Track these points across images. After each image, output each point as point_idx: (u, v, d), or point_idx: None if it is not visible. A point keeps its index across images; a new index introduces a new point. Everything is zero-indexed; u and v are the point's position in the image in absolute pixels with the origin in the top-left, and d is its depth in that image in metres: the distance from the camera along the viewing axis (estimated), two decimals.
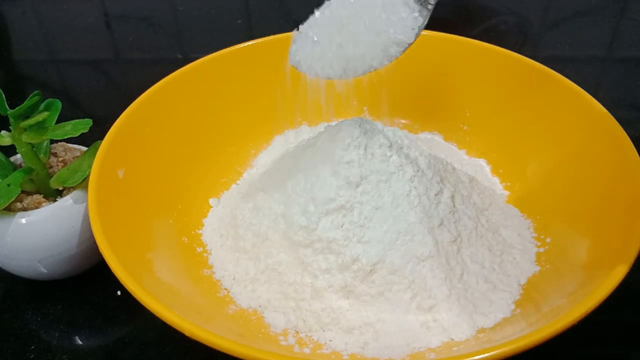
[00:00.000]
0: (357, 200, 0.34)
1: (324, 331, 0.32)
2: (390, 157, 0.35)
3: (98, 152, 0.35)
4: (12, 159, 0.39)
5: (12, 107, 0.35)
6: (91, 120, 0.36)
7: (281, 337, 0.32)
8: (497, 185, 0.43)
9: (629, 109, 0.55)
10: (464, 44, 0.46)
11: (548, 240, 0.37)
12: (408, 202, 0.34)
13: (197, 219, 0.40)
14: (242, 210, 0.39)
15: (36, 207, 0.36)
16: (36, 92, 0.35)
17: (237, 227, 0.38)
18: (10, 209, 0.35)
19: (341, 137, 0.37)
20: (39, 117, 0.35)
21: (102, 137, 0.36)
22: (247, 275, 0.35)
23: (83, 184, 0.37)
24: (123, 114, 0.38)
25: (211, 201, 0.42)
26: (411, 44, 0.32)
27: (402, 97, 0.48)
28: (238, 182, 0.44)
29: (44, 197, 0.37)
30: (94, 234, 0.30)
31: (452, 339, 0.31)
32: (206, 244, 0.38)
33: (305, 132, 0.47)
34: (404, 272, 0.32)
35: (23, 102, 0.35)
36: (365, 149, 0.36)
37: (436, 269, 0.33)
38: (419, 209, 0.34)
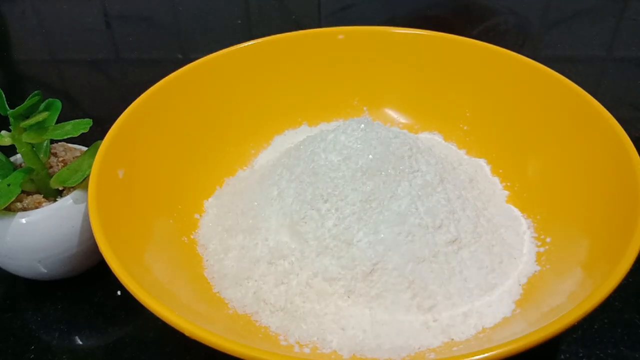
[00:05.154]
0: (357, 201, 0.34)
1: (323, 331, 0.32)
2: (390, 157, 0.35)
3: (98, 152, 0.35)
4: (12, 159, 0.39)
5: (12, 107, 0.35)
6: (91, 120, 0.36)
7: (281, 337, 0.32)
8: (497, 185, 0.42)
9: (629, 109, 0.55)
10: (464, 44, 0.46)
11: (548, 240, 0.37)
12: (408, 202, 0.34)
13: (197, 219, 0.40)
14: (243, 209, 0.39)
15: (36, 207, 0.36)
16: (36, 92, 0.35)
17: (237, 227, 0.38)
18: (10, 209, 0.35)
19: (340, 137, 0.37)
20: (39, 117, 0.35)
21: (102, 137, 0.36)
22: (247, 275, 0.35)
23: (83, 184, 0.37)
24: (123, 114, 0.38)
25: (211, 201, 0.42)
26: None
27: (402, 97, 0.49)
28: (237, 181, 0.44)
29: (44, 197, 0.37)
30: (94, 234, 0.30)
31: (452, 339, 0.31)
32: (205, 244, 0.38)
33: (305, 132, 0.48)
34: (404, 272, 0.32)
35: (23, 102, 0.35)
36: (364, 149, 0.36)
37: (436, 269, 0.33)
38: (419, 209, 0.34)
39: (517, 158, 0.42)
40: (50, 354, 0.35)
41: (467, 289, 0.33)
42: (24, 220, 0.34)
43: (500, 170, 0.43)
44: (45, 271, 0.36)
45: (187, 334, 0.26)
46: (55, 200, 0.36)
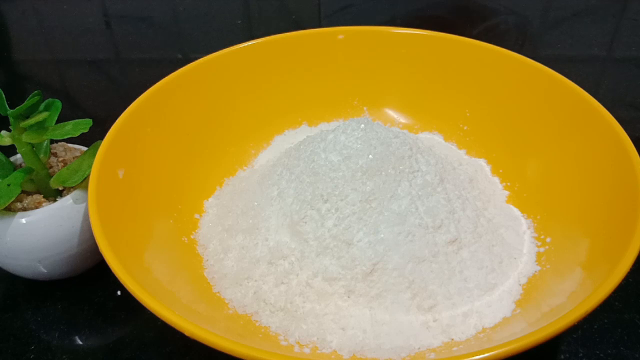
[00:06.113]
0: (357, 201, 0.34)
1: (323, 331, 0.32)
2: (390, 157, 0.35)
3: (98, 152, 0.35)
4: (12, 159, 0.39)
5: (12, 107, 0.35)
6: (91, 120, 0.36)
7: (281, 337, 0.32)
8: (497, 185, 0.43)
9: (629, 109, 0.55)
10: (464, 44, 0.46)
11: (548, 240, 0.37)
12: (408, 202, 0.34)
13: (197, 219, 0.40)
14: (243, 209, 0.39)
15: (36, 207, 0.36)
16: (36, 92, 0.35)
17: (237, 227, 0.38)
18: (10, 209, 0.35)
19: (340, 137, 0.37)
20: (39, 117, 0.35)
21: (102, 137, 0.36)
22: (247, 275, 0.35)
23: (83, 184, 0.37)
24: (123, 114, 0.38)
25: (211, 201, 0.42)
26: None
27: (402, 97, 0.49)
28: (237, 181, 0.44)
29: (44, 197, 0.37)
30: (94, 234, 0.30)
31: (452, 339, 0.31)
32: (205, 244, 0.38)
33: (305, 132, 0.48)
34: (404, 272, 0.32)
35: (23, 102, 0.35)
36: (364, 149, 0.36)
37: (436, 269, 0.33)
38: (419, 209, 0.34)
39: (517, 158, 0.42)
40: (50, 354, 0.35)
41: (467, 289, 0.33)
42: (24, 220, 0.34)
43: (500, 170, 0.43)
44: (45, 271, 0.36)
45: (187, 334, 0.26)
46: (55, 200, 0.36)
